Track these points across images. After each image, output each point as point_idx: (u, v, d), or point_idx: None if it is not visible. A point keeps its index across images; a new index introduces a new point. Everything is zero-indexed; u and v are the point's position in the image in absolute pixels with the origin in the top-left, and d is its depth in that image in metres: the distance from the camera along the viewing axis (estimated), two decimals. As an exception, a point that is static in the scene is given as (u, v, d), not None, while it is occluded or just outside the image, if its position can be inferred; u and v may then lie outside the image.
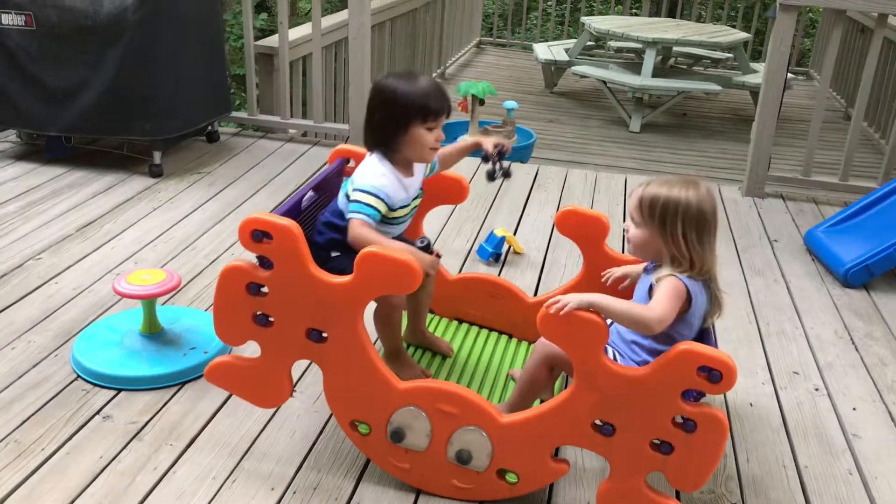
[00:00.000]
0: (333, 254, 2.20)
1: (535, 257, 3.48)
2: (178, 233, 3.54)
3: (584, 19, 7.94)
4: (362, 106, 4.47)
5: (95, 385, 2.47)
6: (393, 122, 2.10)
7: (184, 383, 2.50)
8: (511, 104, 5.41)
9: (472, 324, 2.65)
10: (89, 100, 3.95)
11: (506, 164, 2.31)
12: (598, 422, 1.91)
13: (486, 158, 2.30)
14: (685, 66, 8.24)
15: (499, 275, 3.29)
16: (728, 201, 4.34)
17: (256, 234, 1.92)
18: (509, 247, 3.44)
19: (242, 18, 4.76)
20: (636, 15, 10.47)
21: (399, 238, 2.25)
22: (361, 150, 2.45)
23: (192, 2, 4.16)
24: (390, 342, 2.34)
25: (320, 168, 4.45)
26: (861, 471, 2.30)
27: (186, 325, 2.74)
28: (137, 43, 3.87)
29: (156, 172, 4.13)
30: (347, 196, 2.14)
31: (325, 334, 2.00)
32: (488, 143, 2.29)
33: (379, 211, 2.09)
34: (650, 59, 6.93)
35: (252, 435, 2.29)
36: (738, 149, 6.40)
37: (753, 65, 7.68)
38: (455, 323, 2.65)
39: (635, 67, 7.31)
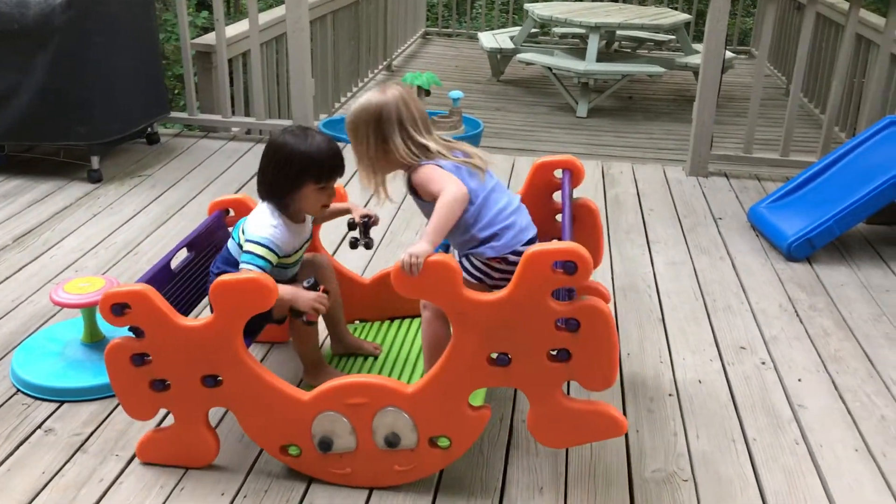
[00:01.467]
0: None
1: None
2: (119, 238, 3.46)
3: (527, 6, 7.95)
4: (305, 100, 4.42)
5: (37, 398, 2.41)
6: (287, 180, 2.13)
7: (128, 392, 2.45)
8: (456, 94, 5.39)
9: (401, 318, 2.65)
10: (21, 106, 3.85)
11: (371, 235, 2.33)
12: (492, 356, 1.94)
13: (351, 226, 2.32)
14: (629, 50, 8.29)
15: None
16: (672, 181, 4.38)
17: (116, 308, 1.95)
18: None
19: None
20: (579, 0, 10.51)
21: (292, 279, 2.28)
22: (238, 197, 2.50)
23: (123, 2, 4.07)
24: (309, 357, 2.35)
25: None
26: (807, 440, 2.34)
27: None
28: (67, 46, 3.77)
29: (95, 178, 4.04)
30: (240, 245, 2.17)
31: (219, 377, 2.01)
32: (358, 212, 2.32)
33: (269, 262, 2.11)
34: (594, 44, 6.96)
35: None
36: (683, 129, 6.43)
37: (696, 45, 7.75)
38: (387, 322, 2.65)
39: (580, 53, 7.33)
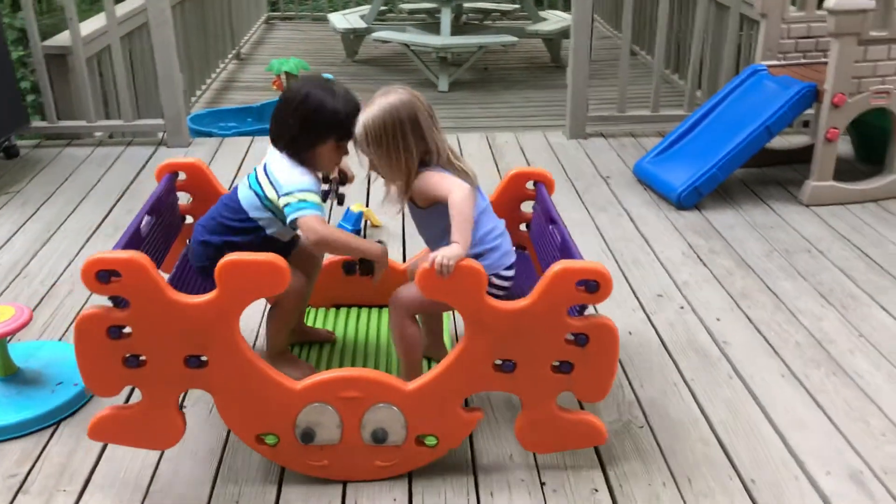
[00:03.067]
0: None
1: (393, 227, 3.47)
2: (2, 261, 3.20)
3: (375, -16, 7.90)
4: (176, 97, 4.22)
5: (-44, 444, 2.21)
6: (311, 134, 2.07)
7: (59, 422, 2.29)
8: (326, 77, 5.31)
9: (350, 306, 2.62)
10: None
11: (342, 190, 2.31)
12: (498, 362, 1.96)
13: (325, 179, 2.28)
14: (477, 22, 8.43)
15: (362, 250, 3.25)
16: (556, 146, 4.52)
17: (102, 275, 1.80)
18: (367, 221, 3.40)
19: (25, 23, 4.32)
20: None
21: (290, 245, 2.23)
22: (189, 160, 2.39)
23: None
24: (280, 343, 2.28)
25: (142, 169, 4.17)
26: (739, 373, 2.50)
27: (44, 359, 2.50)
28: None
29: (-45, 200, 3.71)
30: (261, 198, 2.09)
31: (204, 358, 1.92)
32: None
33: (321, 206, 2.06)
34: (447, 18, 7.02)
35: (152, 462, 2.14)
36: (540, 95, 6.68)
37: (542, 13, 7.98)
38: (333, 310, 2.60)
39: (433, 28, 7.39)
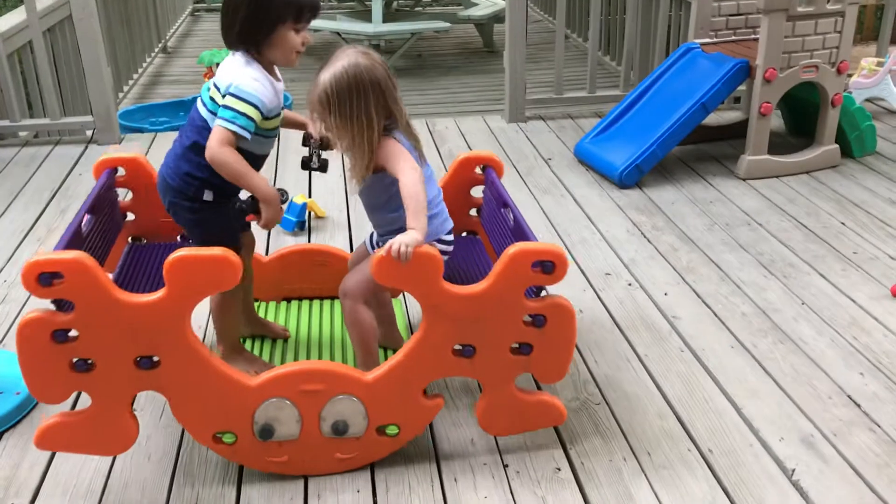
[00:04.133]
0: (206, 197, 2.01)
1: (338, 217, 3.42)
2: (-71, 270, 3.06)
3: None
4: (104, 93, 4.10)
5: None
6: (262, 20, 1.91)
7: (1, 433, 2.20)
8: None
9: (299, 299, 2.58)
10: None
11: (325, 156, 2.20)
12: (457, 347, 1.95)
13: (305, 142, 2.17)
14: (408, 8, 8.38)
15: (308, 242, 3.20)
16: (496, 130, 4.52)
17: (44, 278, 1.72)
18: (310, 212, 3.35)
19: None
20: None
21: (264, 157, 2.08)
22: (129, 155, 2.31)
23: None
24: (230, 337, 2.22)
25: (72, 168, 4.03)
26: (690, 347, 2.55)
27: (-17, 369, 2.40)
28: None
29: None
30: (212, 100, 1.94)
31: (156, 358, 1.86)
32: (316, 128, 2.14)
33: (254, 121, 1.91)
34: (378, 5, 6.95)
35: (104, 469, 2.07)
36: (476, 80, 6.67)
37: (472, -1, 7.96)
38: (284, 304, 2.56)
39: (363, 15, 7.31)
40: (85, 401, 1.93)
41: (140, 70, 6.73)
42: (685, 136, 3.77)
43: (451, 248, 2.13)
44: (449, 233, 2.11)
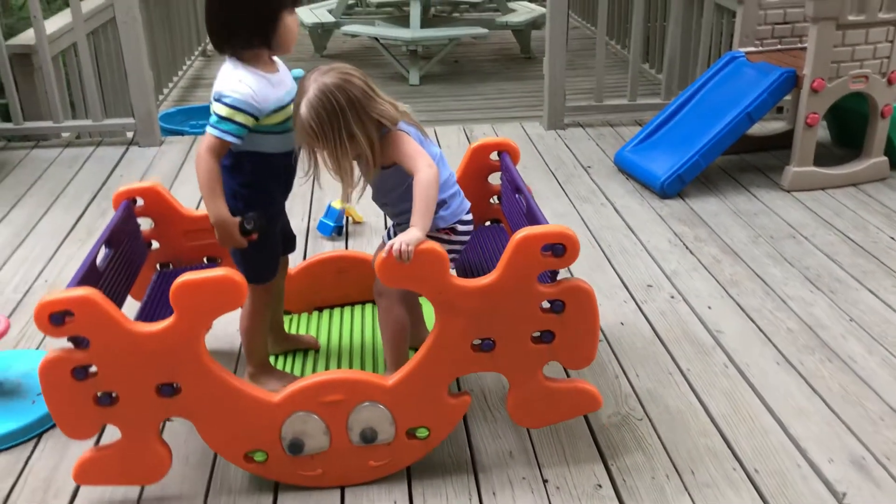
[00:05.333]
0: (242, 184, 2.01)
1: (375, 223, 3.41)
2: (-29, 269, 3.09)
3: (342, -22, 7.80)
4: (146, 96, 4.13)
5: (-67, 462, 2.12)
6: (268, 13, 1.89)
7: (41, 434, 2.21)
8: (298, 72, 5.21)
9: (331, 307, 2.56)
10: None
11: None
12: (476, 342, 1.92)
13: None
14: (445, 14, 8.37)
15: (345, 248, 3.19)
16: (534, 137, 4.48)
17: (55, 318, 1.73)
18: (348, 217, 3.34)
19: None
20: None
21: (289, 157, 2.03)
22: (146, 184, 2.29)
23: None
24: (259, 357, 2.20)
25: (113, 170, 4.07)
26: (734, 362, 2.48)
27: (22, 370, 2.41)
28: None
29: (-81, 206, 3.58)
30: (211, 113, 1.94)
31: (176, 385, 1.85)
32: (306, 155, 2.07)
33: (244, 126, 1.89)
34: (416, 11, 6.94)
35: (141, 472, 2.07)
36: (513, 87, 6.63)
37: (511, 4, 7.94)
38: (316, 314, 2.54)
39: (401, 21, 7.31)
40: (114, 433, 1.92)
41: (180, 73, 6.80)
42: (729, 146, 3.70)
43: (470, 227, 2.09)
44: (468, 212, 2.08)
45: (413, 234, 1.81)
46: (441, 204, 1.98)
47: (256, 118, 1.92)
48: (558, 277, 1.93)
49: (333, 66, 1.88)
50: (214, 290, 1.76)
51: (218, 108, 1.89)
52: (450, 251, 2.02)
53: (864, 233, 3.30)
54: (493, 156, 2.42)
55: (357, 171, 1.97)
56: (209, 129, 1.90)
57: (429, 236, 1.99)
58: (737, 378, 2.41)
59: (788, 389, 2.35)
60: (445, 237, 2.04)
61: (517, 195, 2.24)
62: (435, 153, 1.99)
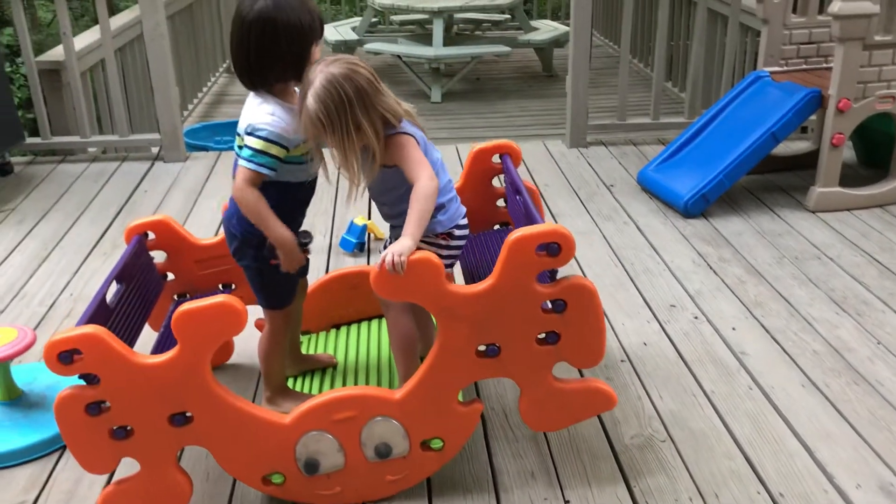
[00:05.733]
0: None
1: (398, 240, 3.41)
2: (-1, 282, 3.13)
3: (365, -4, 7.87)
4: (172, 112, 4.17)
5: (-41, 473, 2.14)
6: (298, 52, 1.92)
7: (65, 447, 2.22)
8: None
9: (349, 323, 2.56)
10: None
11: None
12: (481, 348, 1.91)
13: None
14: (468, 32, 8.41)
15: (367, 263, 3.19)
16: (556, 155, 4.48)
17: (64, 357, 1.75)
18: (370, 234, 3.34)
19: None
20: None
21: (310, 187, 2.07)
22: (156, 218, 2.31)
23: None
24: (276, 380, 2.21)
25: (139, 184, 4.11)
26: (759, 384, 2.46)
27: (47, 382, 2.44)
28: None
29: (-52, 219, 3.63)
30: (239, 147, 1.96)
31: (188, 414, 1.86)
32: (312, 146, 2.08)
33: (277, 158, 1.92)
34: (439, 29, 6.98)
35: (163, 486, 2.07)
36: (535, 105, 6.65)
37: (534, 22, 7.96)
38: (333, 331, 2.54)
39: (423, 39, 7.35)
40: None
41: (205, 89, 6.87)
42: (753, 166, 3.68)
43: (466, 232, 2.10)
44: (464, 217, 2.09)
45: (404, 244, 1.81)
46: (439, 208, 1.99)
47: (287, 150, 1.95)
48: (558, 276, 1.92)
49: (339, 57, 1.90)
50: (214, 317, 1.78)
51: (252, 142, 1.92)
52: (446, 257, 2.03)
53: (890, 254, 3.26)
54: (496, 159, 2.42)
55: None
56: (244, 164, 1.92)
57: (425, 242, 2.00)
58: (761, 400, 2.38)
59: (814, 413, 2.32)
60: (443, 242, 2.04)
61: (518, 197, 2.24)
62: (436, 159, 2.01)
